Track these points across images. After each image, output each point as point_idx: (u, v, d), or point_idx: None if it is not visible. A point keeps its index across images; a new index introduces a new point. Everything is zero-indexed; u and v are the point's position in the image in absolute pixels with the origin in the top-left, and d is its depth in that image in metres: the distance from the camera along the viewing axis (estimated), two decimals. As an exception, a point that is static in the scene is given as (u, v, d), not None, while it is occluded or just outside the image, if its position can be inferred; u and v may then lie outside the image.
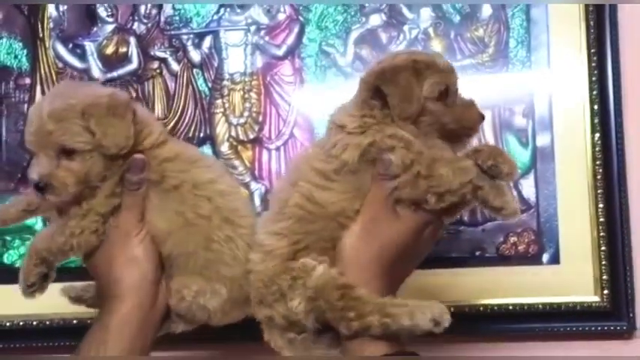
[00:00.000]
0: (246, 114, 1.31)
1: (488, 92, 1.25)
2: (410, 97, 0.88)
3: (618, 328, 1.18)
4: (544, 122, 1.23)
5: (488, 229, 1.22)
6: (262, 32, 1.31)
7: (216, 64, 1.32)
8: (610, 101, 1.21)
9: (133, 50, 1.34)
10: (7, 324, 1.29)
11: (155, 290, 0.92)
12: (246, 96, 1.31)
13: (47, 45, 1.35)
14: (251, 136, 1.30)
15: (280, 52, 1.31)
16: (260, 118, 1.30)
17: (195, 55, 1.33)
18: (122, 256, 0.90)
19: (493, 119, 1.24)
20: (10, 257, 1.32)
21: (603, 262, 1.18)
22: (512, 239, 1.22)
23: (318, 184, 0.90)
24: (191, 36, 1.33)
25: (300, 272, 0.87)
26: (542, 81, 1.24)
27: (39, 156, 0.88)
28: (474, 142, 1.20)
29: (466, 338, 1.20)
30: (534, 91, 1.24)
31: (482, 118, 0.93)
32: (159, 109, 1.32)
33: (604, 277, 1.18)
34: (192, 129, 1.31)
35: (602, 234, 1.19)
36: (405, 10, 1.28)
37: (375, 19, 1.28)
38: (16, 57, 1.36)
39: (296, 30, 1.30)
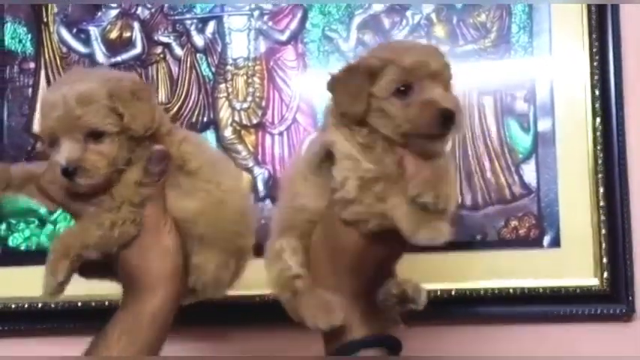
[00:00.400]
0: (249, 99, 1.31)
1: (490, 77, 1.26)
2: (354, 96, 0.83)
3: (617, 311, 1.19)
4: (545, 107, 1.24)
5: (489, 213, 1.23)
6: (265, 17, 1.32)
7: (219, 49, 1.33)
8: (611, 87, 1.21)
9: (137, 35, 1.35)
10: (13, 306, 1.30)
11: (185, 281, 0.92)
12: (250, 81, 1.31)
13: (51, 30, 1.36)
14: (254, 121, 1.31)
15: (283, 37, 1.31)
16: (263, 103, 1.31)
17: (198, 40, 1.33)
18: (156, 245, 0.90)
19: (495, 104, 1.25)
20: (15, 240, 1.33)
21: (603, 246, 1.19)
22: (513, 223, 1.23)
23: (300, 183, 0.91)
24: (195, 21, 1.33)
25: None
26: (543, 66, 1.24)
27: (64, 141, 0.87)
28: (478, 133, 1.23)
29: (467, 321, 1.22)
30: (536, 76, 1.25)
31: (447, 117, 0.80)
32: (162, 93, 1.33)
33: (604, 260, 1.19)
34: (196, 114, 1.32)
35: (602, 218, 1.19)
36: (407, -4, 1.28)
37: (378, 5, 1.29)
38: (20, 41, 1.37)
39: (299, 15, 1.31)
